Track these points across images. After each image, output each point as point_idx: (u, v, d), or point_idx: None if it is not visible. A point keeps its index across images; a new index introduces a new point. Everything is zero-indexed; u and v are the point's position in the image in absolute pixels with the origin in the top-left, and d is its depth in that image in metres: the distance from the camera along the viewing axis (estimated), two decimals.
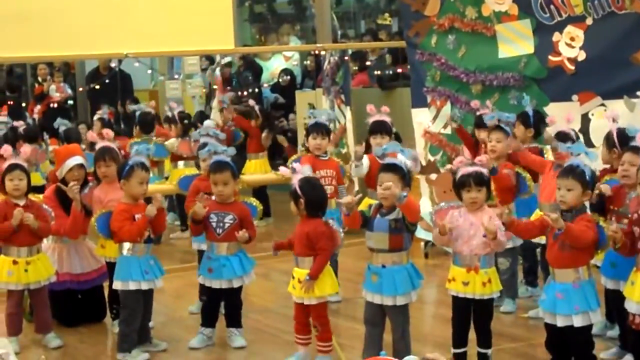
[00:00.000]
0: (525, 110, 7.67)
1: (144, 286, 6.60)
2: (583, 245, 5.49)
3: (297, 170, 6.23)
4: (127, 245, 6.60)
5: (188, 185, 7.51)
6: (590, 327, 5.61)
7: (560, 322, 5.55)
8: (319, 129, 7.85)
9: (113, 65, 13.43)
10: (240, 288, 6.89)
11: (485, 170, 5.97)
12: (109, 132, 7.74)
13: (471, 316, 5.98)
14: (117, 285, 6.64)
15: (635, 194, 5.77)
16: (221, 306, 7.06)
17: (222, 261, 6.75)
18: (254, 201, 7.16)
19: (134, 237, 6.56)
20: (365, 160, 7.66)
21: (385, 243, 5.84)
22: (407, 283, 5.87)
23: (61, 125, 10.92)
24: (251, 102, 11.86)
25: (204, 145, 7.29)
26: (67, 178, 7.29)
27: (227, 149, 6.99)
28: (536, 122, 7.57)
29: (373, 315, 6.00)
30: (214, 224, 6.77)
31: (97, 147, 7.45)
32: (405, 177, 5.89)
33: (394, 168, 5.87)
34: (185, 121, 10.99)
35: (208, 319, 6.95)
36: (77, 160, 7.36)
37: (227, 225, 6.75)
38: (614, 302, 6.11)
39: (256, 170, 11.26)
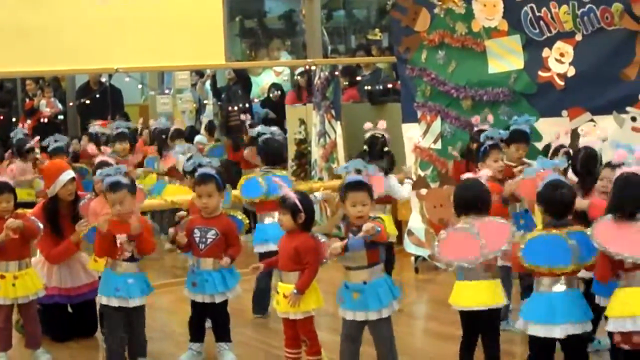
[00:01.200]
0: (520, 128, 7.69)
1: (113, 303, 6.54)
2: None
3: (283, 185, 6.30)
4: (108, 261, 6.62)
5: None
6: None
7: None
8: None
9: (103, 80, 13.42)
10: (224, 303, 6.84)
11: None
12: (106, 148, 7.79)
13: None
14: (98, 298, 6.72)
15: None
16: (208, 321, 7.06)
17: (204, 276, 6.72)
18: (240, 215, 7.14)
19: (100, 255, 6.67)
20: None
21: (364, 260, 5.84)
22: (388, 294, 5.89)
23: (55, 140, 10.91)
24: (243, 116, 11.83)
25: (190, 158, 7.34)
26: (61, 194, 7.29)
27: (210, 161, 7.00)
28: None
29: (354, 331, 5.97)
30: (197, 239, 6.73)
31: (96, 161, 7.46)
32: (370, 192, 5.93)
33: (360, 186, 5.91)
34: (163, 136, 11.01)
35: (195, 333, 6.92)
36: (69, 174, 7.37)
37: (209, 240, 6.71)
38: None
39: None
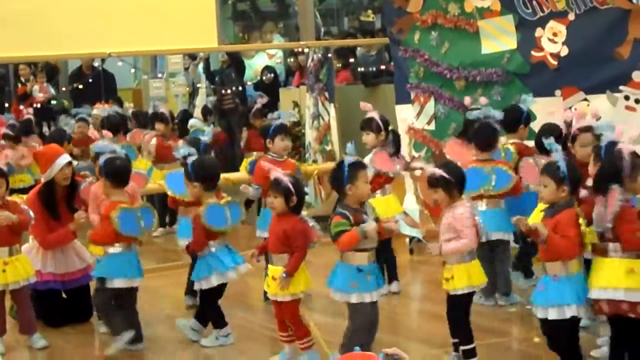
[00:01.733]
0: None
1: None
2: (558, 257, 5.54)
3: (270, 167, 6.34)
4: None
5: (175, 182, 7.53)
6: (570, 321, 5.60)
7: (539, 314, 5.61)
8: (286, 130, 7.87)
9: (96, 64, 13.40)
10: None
11: (438, 171, 5.96)
12: (108, 133, 7.80)
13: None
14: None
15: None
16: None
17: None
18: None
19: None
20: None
21: (374, 240, 5.93)
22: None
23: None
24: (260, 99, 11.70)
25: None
26: (57, 178, 7.28)
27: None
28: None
29: (376, 315, 6.07)
30: None
31: (97, 145, 7.48)
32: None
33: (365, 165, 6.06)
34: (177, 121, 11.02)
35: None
36: (66, 158, 7.36)
37: None
38: None
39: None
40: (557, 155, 5.65)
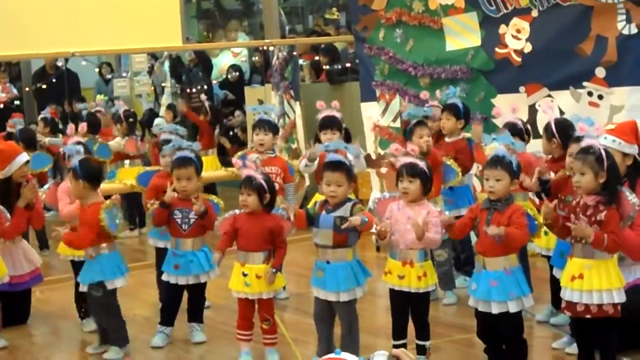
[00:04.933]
0: (454, 102, 7.73)
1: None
2: (518, 248, 5.61)
3: (248, 165, 6.26)
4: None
5: (147, 181, 7.48)
6: (520, 312, 5.65)
7: (495, 309, 5.57)
8: (263, 125, 7.83)
9: (60, 64, 13.32)
10: (205, 283, 6.91)
11: (421, 163, 5.95)
12: (83, 126, 7.75)
13: (409, 309, 6.00)
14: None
15: None
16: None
17: (189, 257, 6.73)
18: (216, 198, 7.14)
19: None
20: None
21: (329, 239, 5.82)
22: (351, 279, 5.85)
23: (17, 124, 10.83)
24: (203, 97, 11.82)
25: (167, 141, 7.26)
26: (15, 176, 7.22)
27: (191, 144, 6.95)
28: (466, 113, 7.73)
29: (321, 310, 6.00)
30: (178, 220, 6.74)
31: (70, 142, 7.41)
32: (350, 173, 5.91)
33: (339, 166, 5.86)
34: (131, 119, 10.91)
35: (168, 317, 6.93)
36: (24, 157, 7.32)
37: (192, 220, 6.72)
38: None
39: (206, 167, 11.20)
40: (503, 150, 5.67)
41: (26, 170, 7.32)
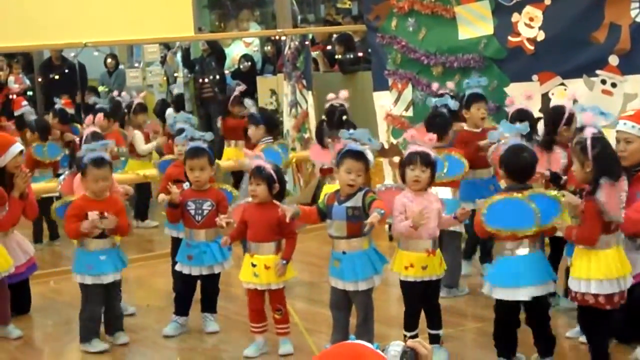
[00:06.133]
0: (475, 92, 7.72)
1: (87, 280, 6.55)
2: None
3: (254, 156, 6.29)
4: (79, 239, 6.59)
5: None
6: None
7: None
8: (253, 120, 7.90)
9: (72, 54, 13.33)
10: (219, 274, 6.91)
11: (433, 152, 5.94)
12: (100, 117, 7.79)
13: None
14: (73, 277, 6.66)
15: None
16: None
17: (202, 248, 6.73)
18: (229, 187, 7.15)
19: (71, 236, 6.60)
20: None
21: (343, 230, 5.83)
22: (368, 268, 5.86)
23: (28, 113, 10.85)
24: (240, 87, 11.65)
25: (181, 131, 7.26)
26: (9, 166, 7.17)
27: (204, 135, 6.94)
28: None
29: (337, 300, 6.00)
30: (192, 211, 6.74)
31: (87, 132, 7.41)
32: (367, 166, 5.91)
33: (361, 155, 5.85)
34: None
35: (182, 307, 6.95)
36: (18, 147, 7.26)
37: (205, 211, 6.72)
38: None
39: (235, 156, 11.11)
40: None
41: (20, 161, 7.23)
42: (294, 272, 6.33)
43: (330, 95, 8.22)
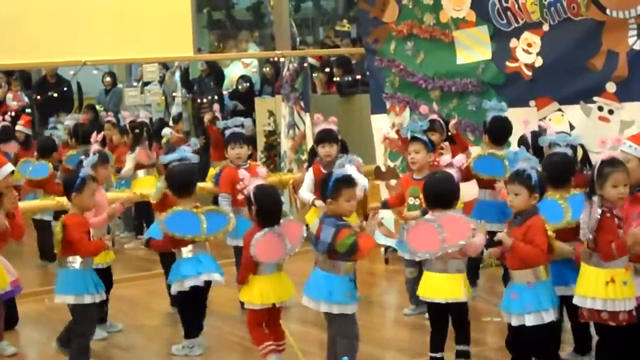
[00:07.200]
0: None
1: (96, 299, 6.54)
2: (528, 266, 5.61)
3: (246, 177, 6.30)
4: (79, 259, 6.49)
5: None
6: (548, 326, 5.64)
7: (514, 322, 5.65)
8: (237, 138, 7.91)
9: (71, 73, 13.35)
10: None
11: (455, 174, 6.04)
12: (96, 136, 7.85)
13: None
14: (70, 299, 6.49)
15: None
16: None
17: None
18: (223, 211, 7.15)
19: (99, 252, 6.59)
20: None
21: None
22: (321, 290, 5.89)
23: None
24: (215, 106, 11.78)
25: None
26: (0, 186, 7.14)
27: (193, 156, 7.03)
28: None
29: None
30: None
31: (93, 149, 7.43)
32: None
33: (354, 181, 5.98)
34: (137, 130, 10.88)
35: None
36: (9, 167, 7.21)
37: None
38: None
39: None
40: (524, 164, 5.70)
41: (11, 181, 7.17)
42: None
43: (317, 118, 8.25)
